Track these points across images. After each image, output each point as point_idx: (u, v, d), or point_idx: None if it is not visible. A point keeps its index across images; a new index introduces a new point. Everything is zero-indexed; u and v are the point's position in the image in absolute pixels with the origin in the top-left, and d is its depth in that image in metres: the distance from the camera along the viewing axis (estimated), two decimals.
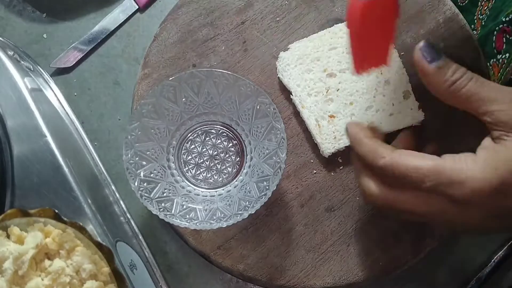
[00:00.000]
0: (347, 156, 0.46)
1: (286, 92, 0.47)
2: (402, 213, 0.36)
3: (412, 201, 0.35)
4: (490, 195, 0.32)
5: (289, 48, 0.46)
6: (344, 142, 0.44)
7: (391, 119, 0.45)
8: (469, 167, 0.32)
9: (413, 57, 0.36)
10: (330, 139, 0.44)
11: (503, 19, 0.46)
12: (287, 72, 0.46)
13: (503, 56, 0.47)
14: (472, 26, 0.51)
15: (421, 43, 0.35)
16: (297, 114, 0.47)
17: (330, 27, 0.48)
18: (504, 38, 0.47)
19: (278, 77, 0.47)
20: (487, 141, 0.34)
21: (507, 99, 0.33)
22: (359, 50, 0.37)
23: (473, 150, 0.34)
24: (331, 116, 0.45)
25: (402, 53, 0.47)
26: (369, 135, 0.37)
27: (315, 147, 0.46)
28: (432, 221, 0.36)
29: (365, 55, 0.38)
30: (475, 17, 0.51)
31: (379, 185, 0.36)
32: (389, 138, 0.44)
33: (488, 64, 0.49)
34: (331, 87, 0.45)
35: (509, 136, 0.32)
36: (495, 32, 0.48)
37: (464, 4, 0.53)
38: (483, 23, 0.52)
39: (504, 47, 0.47)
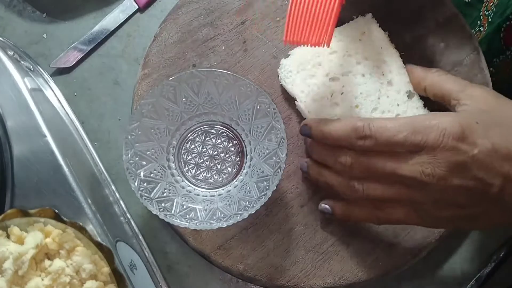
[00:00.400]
0: None
1: (286, 92, 0.47)
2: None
3: (376, 163, 0.38)
4: (456, 134, 0.35)
5: (290, 55, 0.46)
6: None
7: None
8: (439, 115, 0.37)
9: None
10: None
11: (511, 16, 0.46)
12: (289, 79, 0.46)
13: None
14: (478, 22, 0.51)
15: None
16: (297, 114, 0.47)
17: None
18: None
19: (281, 84, 0.46)
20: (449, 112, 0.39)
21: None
22: (295, 18, 0.38)
23: None
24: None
25: (402, 53, 0.47)
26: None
27: None
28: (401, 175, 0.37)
29: (300, 26, 0.38)
30: (480, 13, 0.51)
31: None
32: None
33: (497, 60, 0.49)
34: (335, 91, 0.45)
35: (471, 106, 0.39)
36: (502, 29, 0.48)
37: (469, 0, 0.53)
38: (489, 20, 0.52)
39: None
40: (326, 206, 0.43)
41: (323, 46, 0.38)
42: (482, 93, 0.40)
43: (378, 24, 0.47)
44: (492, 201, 0.36)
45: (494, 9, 0.52)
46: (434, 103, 0.45)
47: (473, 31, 0.55)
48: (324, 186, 0.42)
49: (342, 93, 0.45)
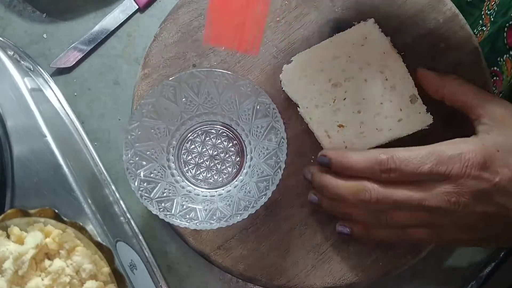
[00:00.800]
0: None
1: (286, 92, 0.47)
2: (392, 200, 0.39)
3: (398, 193, 0.38)
4: (479, 164, 0.36)
5: (291, 61, 0.46)
6: None
7: (400, 124, 0.45)
8: (461, 141, 0.38)
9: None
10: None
11: None
12: (292, 85, 0.46)
13: None
14: (480, 21, 0.51)
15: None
16: (297, 114, 0.47)
17: (330, 27, 0.48)
18: None
19: (283, 90, 0.46)
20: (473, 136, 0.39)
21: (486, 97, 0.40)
22: (218, 22, 0.36)
23: None
24: (340, 126, 0.45)
25: (402, 53, 0.47)
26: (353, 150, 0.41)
27: (315, 147, 0.46)
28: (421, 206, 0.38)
29: (224, 31, 0.37)
30: (482, 13, 0.51)
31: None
32: (399, 144, 0.44)
33: (501, 59, 0.49)
34: (338, 96, 0.45)
35: (491, 129, 0.38)
36: (505, 28, 0.48)
37: (471, 0, 0.53)
38: (491, 19, 0.52)
39: None
40: (345, 229, 0.42)
41: (252, 54, 0.37)
42: (503, 113, 0.40)
43: (380, 29, 0.47)
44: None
45: (496, 8, 0.52)
46: (438, 107, 0.45)
47: (475, 30, 0.55)
48: (339, 215, 0.42)
49: (344, 99, 0.45)
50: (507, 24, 0.48)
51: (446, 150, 0.37)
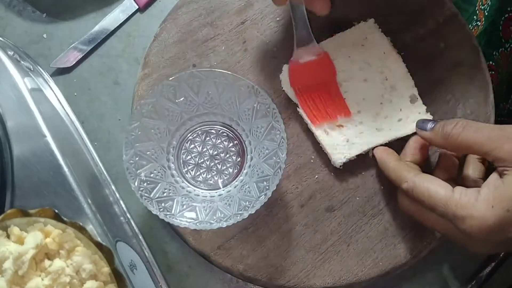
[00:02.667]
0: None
1: (286, 92, 0.47)
2: (424, 223, 0.41)
3: (428, 217, 0.40)
4: (488, 231, 0.35)
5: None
6: (354, 151, 0.44)
7: (400, 124, 0.45)
8: (470, 205, 0.35)
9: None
10: (340, 149, 0.44)
11: (509, 8, 0.46)
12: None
13: None
14: (475, 17, 0.51)
15: (417, 123, 0.42)
16: (297, 114, 0.47)
17: (330, 27, 0.48)
18: (511, 27, 0.47)
19: (283, 90, 0.46)
20: (492, 176, 0.37)
21: (499, 136, 0.36)
22: (307, 104, 0.45)
23: None
24: (340, 126, 0.45)
25: (402, 53, 0.47)
26: (395, 159, 0.42)
27: (315, 147, 0.46)
28: (447, 236, 0.39)
29: (316, 108, 0.45)
30: (476, 8, 0.51)
31: (406, 198, 0.41)
32: (399, 144, 0.44)
33: (496, 53, 0.49)
34: None
35: (509, 170, 0.35)
36: (501, 22, 0.48)
37: None
38: (486, 13, 0.52)
39: None
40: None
41: (347, 117, 0.45)
42: None
43: (380, 29, 0.47)
44: None
45: (489, 3, 0.52)
46: (437, 107, 0.45)
47: (470, 26, 0.55)
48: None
49: (344, 99, 0.45)
50: (503, 18, 0.48)
51: (454, 206, 0.36)
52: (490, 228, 0.34)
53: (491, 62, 0.50)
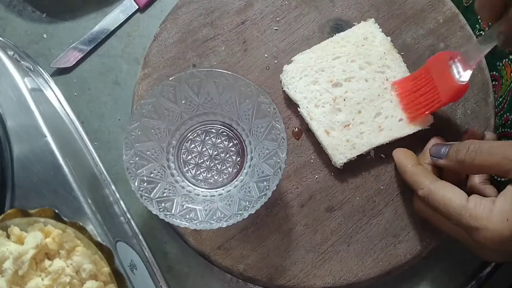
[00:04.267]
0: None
1: (286, 92, 0.47)
2: (438, 227, 0.41)
3: (443, 223, 0.40)
4: (501, 243, 0.35)
5: (292, 61, 0.46)
6: (355, 151, 0.44)
7: (400, 124, 0.45)
8: (484, 216, 0.36)
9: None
10: (341, 150, 0.44)
11: None
12: (292, 85, 0.46)
13: None
14: (477, 26, 0.51)
15: (430, 150, 0.42)
16: (297, 114, 0.47)
17: (330, 27, 0.48)
18: None
19: (284, 90, 0.46)
20: (510, 188, 0.37)
21: None
22: (409, 105, 0.45)
23: None
24: (347, 126, 0.45)
25: (402, 53, 0.47)
26: (412, 163, 0.42)
27: (315, 147, 0.46)
28: (460, 242, 0.40)
29: (415, 105, 0.45)
30: (479, 17, 0.51)
31: (421, 203, 0.41)
32: (399, 144, 0.44)
33: (500, 64, 0.49)
34: (338, 96, 0.45)
35: None
36: None
37: (468, 4, 0.53)
38: (489, 23, 0.52)
39: None
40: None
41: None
42: None
43: (380, 29, 0.47)
44: None
45: None
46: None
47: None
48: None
49: (344, 99, 0.45)
50: None
51: (468, 217, 0.36)
52: (504, 241, 0.35)
53: (494, 73, 0.50)
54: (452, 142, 0.41)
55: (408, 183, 0.42)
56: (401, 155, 0.44)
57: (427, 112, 0.43)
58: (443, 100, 0.42)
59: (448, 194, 0.38)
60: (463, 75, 0.40)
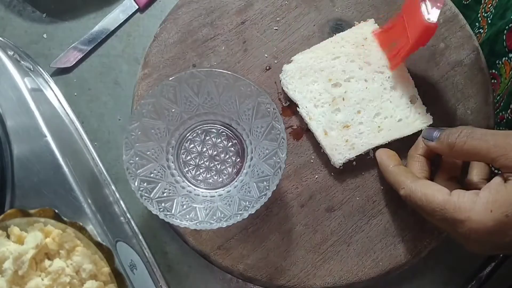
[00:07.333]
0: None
1: (286, 92, 0.47)
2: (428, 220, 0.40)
3: (429, 219, 0.39)
4: (486, 234, 0.35)
5: (292, 61, 0.46)
6: (354, 152, 0.44)
7: (400, 124, 0.45)
8: (468, 207, 0.35)
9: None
10: (340, 150, 0.44)
11: None
12: (291, 85, 0.46)
13: None
14: (477, 24, 0.51)
15: (423, 132, 0.42)
16: (297, 114, 0.47)
17: (330, 27, 0.48)
18: None
19: (283, 90, 0.46)
20: (495, 180, 0.36)
21: (505, 143, 0.35)
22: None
23: None
24: (346, 126, 0.45)
25: None
26: (394, 163, 0.43)
27: (315, 147, 0.46)
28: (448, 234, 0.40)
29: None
30: (479, 15, 0.51)
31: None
32: (399, 144, 0.44)
33: (500, 62, 0.49)
34: (337, 96, 0.45)
35: None
36: (505, 31, 0.48)
37: (468, 2, 0.53)
38: (489, 21, 0.52)
39: None
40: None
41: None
42: None
43: (380, 29, 0.47)
44: None
45: (493, 11, 0.52)
46: (437, 108, 0.45)
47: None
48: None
49: (344, 99, 0.45)
50: (507, 27, 0.48)
51: (452, 210, 0.36)
52: (488, 232, 0.34)
53: (493, 71, 0.50)
54: (446, 127, 0.40)
55: (390, 183, 0.42)
56: (383, 155, 0.44)
57: (400, 57, 0.43)
58: (412, 41, 0.41)
59: (430, 191, 0.38)
60: (432, 12, 0.40)
